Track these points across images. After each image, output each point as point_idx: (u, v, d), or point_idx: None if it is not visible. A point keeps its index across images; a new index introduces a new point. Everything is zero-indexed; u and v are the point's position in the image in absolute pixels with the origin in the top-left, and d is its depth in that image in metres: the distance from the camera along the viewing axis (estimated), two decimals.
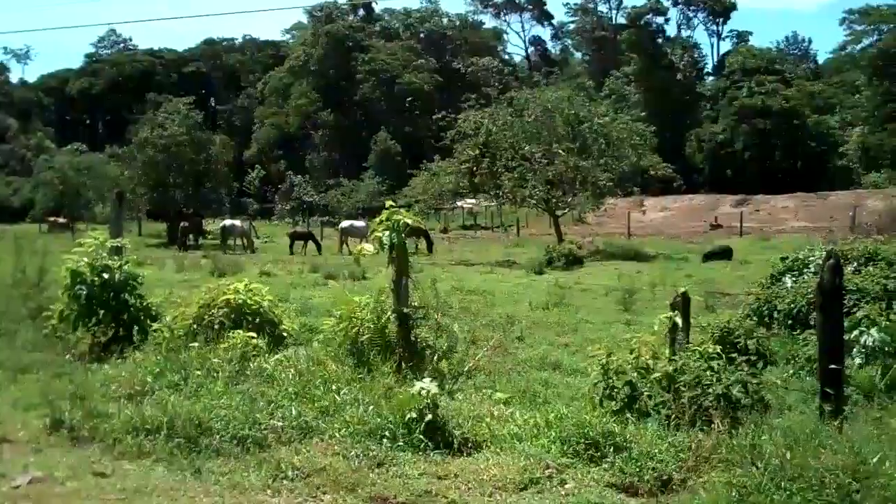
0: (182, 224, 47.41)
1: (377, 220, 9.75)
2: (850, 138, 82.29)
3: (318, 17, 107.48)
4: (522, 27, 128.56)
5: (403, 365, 9.34)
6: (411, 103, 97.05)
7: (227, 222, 46.92)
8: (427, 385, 7.61)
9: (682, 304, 8.93)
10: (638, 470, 6.61)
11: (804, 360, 10.83)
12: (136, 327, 11.50)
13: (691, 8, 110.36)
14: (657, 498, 6.30)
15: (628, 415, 7.86)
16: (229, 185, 64.58)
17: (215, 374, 9.02)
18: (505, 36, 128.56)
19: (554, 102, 42.49)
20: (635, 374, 8.24)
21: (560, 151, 39.94)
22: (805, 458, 5.94)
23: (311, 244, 42.62)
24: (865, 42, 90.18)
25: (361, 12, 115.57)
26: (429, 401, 7.54)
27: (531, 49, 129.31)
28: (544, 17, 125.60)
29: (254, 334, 10.30)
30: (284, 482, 6.71)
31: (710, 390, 7.65)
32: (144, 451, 7.35)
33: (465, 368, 9.99)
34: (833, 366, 7.48)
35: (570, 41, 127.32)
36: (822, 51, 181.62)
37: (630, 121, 44.62)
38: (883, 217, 41.93)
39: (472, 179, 42.50)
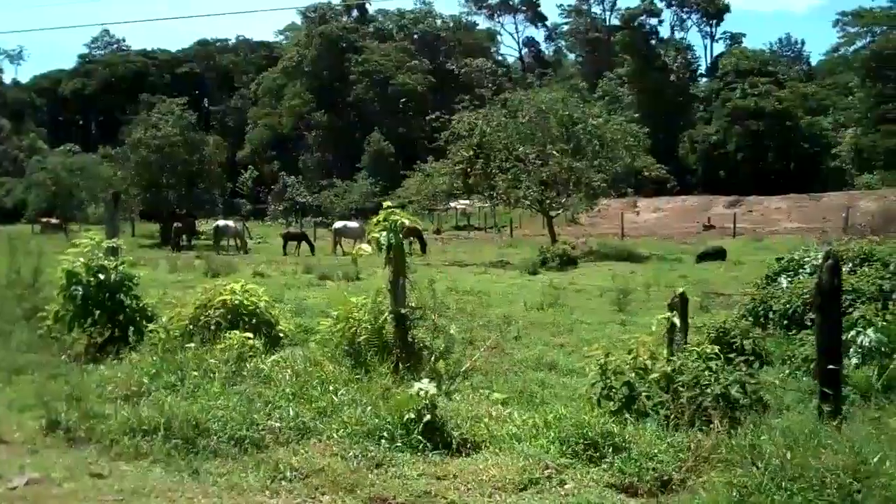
0: (175, 225, 47.40)
1: (374, 220, 9.73)
2: (843, 140, 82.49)
3: (312, 18, 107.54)
4: (516, 28, 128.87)
5: (401, 366, 9.32)
6: (405, 104, 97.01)
7: (221, 223, 46.91)
8: (425, 386, 7.60)
9: (681, 304, 8.92)
10: (637, 470, 6.59)
11: (800, 361, 10.83)
12: (131, 328, 11.42)
13: (685, 10, 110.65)
14: (657, 498, 6.29)
15: (626, 415, 7.85)
16: (222, 185, 64.50)
17: (212, 375, 8.97)
18: (499, 37, 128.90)
19: (548, 104, 42.51)
20: (633, 375, 8.23)
21: (554, 152, 39.96)
22: (805, 458, 5.93)
23: (304, 245, 42.60)
24: (858, 44, 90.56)
25: (355, 13, 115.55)
26: (427, 401, 7.51)
27: (525, 50, 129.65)
28: (538, 18, 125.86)
29: (250, 335, 10.26)
30: (283, 483, 6.68)
31: (709, 390, 7.64)
32: (142, 453, 7.31)
33: (463, 369, 9.96)
34: (832, 366, 7.47)
35: (563, 42, 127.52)
36: (815, 52, 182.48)
37: (624, 122, 44.68)
38: (876, 218, 42.07)
39: (467, 180, 42.49)
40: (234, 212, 74.87)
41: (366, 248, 10.08)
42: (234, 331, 10.34)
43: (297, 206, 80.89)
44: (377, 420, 7.68)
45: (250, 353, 9.78)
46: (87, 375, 9.62)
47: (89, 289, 11.52)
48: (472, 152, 41.32)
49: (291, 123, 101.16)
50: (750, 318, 13.34)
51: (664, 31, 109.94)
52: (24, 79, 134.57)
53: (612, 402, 8.21)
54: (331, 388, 8.59)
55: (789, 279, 14.59)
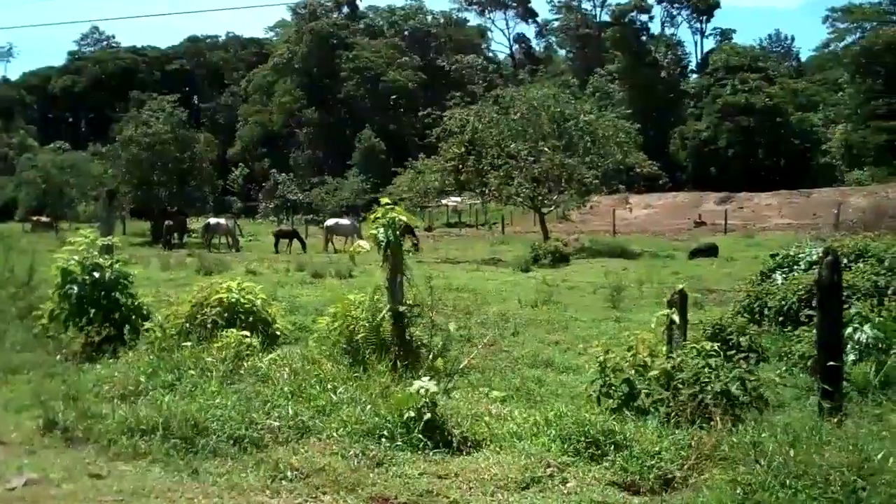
0: (166, 222, 47.26)
1: (372, 216, 9.69)
2: (833, 135, 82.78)
3: (302, 15, 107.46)
4: (507, 25, 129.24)
5: (399, 363, 9.28)
6: (395, 101, 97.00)
7: (212, 220, 46.83)
8: (426, 384, 7.56)
9: (680, 301, 8.92)
10: (640, 468, 6.55)
11: (797, 357, 10.86)
12: (127, 326, 11.36)
13: (675, 6, 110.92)
14: (660, 496, 6.27)
15: (626, 412, 7.83)
16: (213, 183, 64.38)
17: (209, 374, 8.91)
18: (489, 33, 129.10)
19: (540, 100, 42.52)
20: (633, 372, 8.21)
21: (546, 149, 39.99)
22: (808, 455, 5.91)
23: (296, 242, 42.55)
24: (848, 40, 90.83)
25: (345, 10, 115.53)
26: (427, 399, 7.47)
27: (515, 47, 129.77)
28: (528, 14, 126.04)
29: (247, 333, 10.18)
30: (283, 483, 6.63)
31: (709, 388, 7.62)
32: (140, 452, 7.24)
33: (461, 366, 9.94)
34: (832, 363, 7.47)
35: (554, 39, 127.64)
36: (804, 49, 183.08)
37: (615, 118, 44.73)
38: (867, 214, 42.22)
39: (458, 177, 42.54)
40: (225, 209, 74.79)
41: (364, 244, 10.05)
42: (231, 329, 10.27)
43: (289, 203, 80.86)
44: (377, 418, 7.63)
45: (247, 352, 9.73)
46: (84, 374, 9.58)
47: (84, 287, 11.46)
48: (463, 149, 41.36)
49: (282, 120, 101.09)
50: (745, 315, 13.37)
51: (654, 28, 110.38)
52: (14, 76, 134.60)
53: (611, 400, 8.19)
54: (329, 386, 8.53)
55: (784, 275, 14.61)
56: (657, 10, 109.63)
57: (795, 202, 61.23)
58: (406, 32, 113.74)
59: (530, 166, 40.25)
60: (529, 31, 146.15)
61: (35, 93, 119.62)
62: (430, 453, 7.13)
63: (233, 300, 11.12)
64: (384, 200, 9.91)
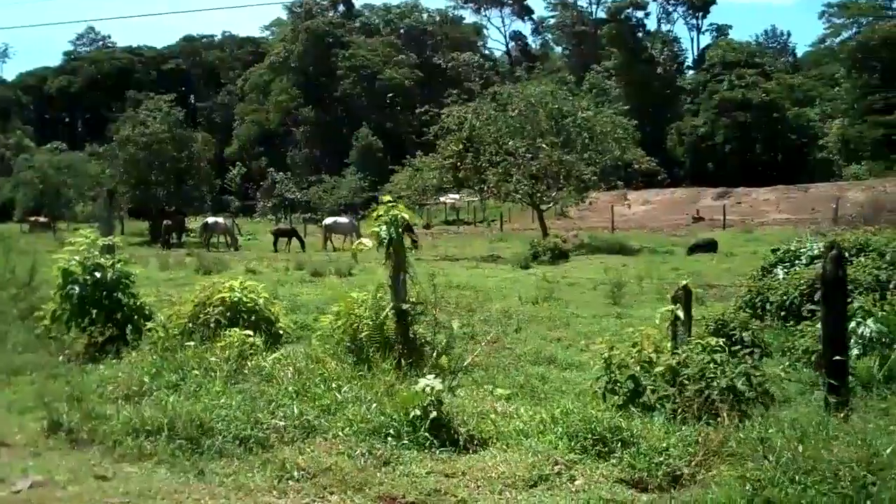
0: (164, 222, 47.22)
1: (374, 214, 9.66)
2: (830, 130, 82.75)
3: (298, 13, 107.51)
4: (503, 22, 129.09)
5: (403, 361, 9.25)
6: (392, 99, 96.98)
7: (210, 220, 46.77)
8: (431, 382, 7.53)
9: (685, 297, 8.91)
10: (647, 465, 6.52)
11: (800, 352, 10.83)
12: (130, 326, 11.29)
13: (671, 2, 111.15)
14: (669, 493, 6.24)
15: (632, 409, 7.81)
16: (211, 182, 64.33)
17: (213, 374, 8.87)
18: (485, 31, 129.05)
19: (537, 97, 42.55)
20: (638, 368, 8.19)
21: (544, 146, 40.02)
22: (817, 450, 5.90)
23: (295, 241, 42.53)
24: (844, 35, 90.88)
25: (341, 8, 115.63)
26: (433, 398, 7.44)
27: (511, 44, 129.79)
28: (524, 12, 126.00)
29: (250, 332, 10.16)
30: (290, 483, 6.58)
31: (715, 383, 7.61)
32: (146, 453, 7.20)
33: (465, 364, 9.92)
34: (838, 357, 7.46)
35: (550, 36, 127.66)
36: (801, 44, 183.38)
37: (613, 114, 44.73)
38: (866, 208, 42.20)
39: (456, 174, 42.53)
40: (222, 208, 74.65)
41: (366, 242, 10.01)
42: (234, 328, 10.25)
43: (286, 202, 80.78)
44: (382, 417, 7.59)
45: (251, 351, 9.69)
46: (87, 375, 9.53)
47: (86, 287, 11.42)
48: (461, 146, 41.37)
49: (279, 119, 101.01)
50: (747, 310, 13.35)
51: (651, 24, 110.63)
52: (10, 76, 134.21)
53: (617, 397, 8.16)
54: (334, 385, 8.49)
55: (785, 270, 14.60)
56: (653, 7, 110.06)
57: (793, 197, 61.26)
58: (402, 30, 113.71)
59: (528, 163, 40.25)
60: (525, 28, 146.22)
61: (31, 93, 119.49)
62: (437, 452, 7.09)
63: (235, 299, 11.09)
64: (386, 198, 9.89)
